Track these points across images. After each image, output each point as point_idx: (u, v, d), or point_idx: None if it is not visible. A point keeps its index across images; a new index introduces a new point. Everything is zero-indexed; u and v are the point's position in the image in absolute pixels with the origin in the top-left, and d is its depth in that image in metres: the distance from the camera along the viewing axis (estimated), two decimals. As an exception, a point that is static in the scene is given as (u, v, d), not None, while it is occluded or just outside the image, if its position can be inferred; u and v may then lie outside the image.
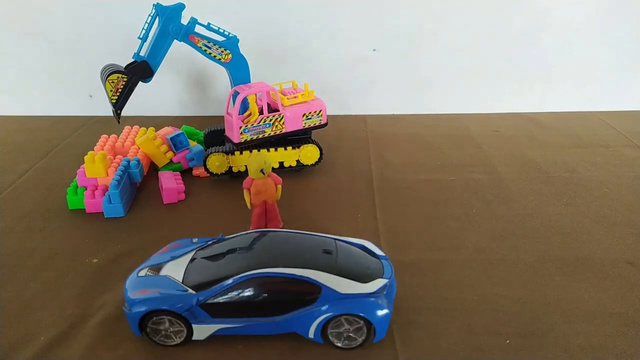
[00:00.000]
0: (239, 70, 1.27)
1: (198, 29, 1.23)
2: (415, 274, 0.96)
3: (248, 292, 0.78)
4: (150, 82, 1.25)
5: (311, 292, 0.78)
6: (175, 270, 0.83)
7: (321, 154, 1.32)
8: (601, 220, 1.13)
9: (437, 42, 1.65)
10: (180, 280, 0.81)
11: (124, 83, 1.20)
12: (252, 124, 1.23)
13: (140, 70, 1.20)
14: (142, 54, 1.21)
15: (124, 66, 1.21)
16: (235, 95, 1.24)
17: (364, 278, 0.80)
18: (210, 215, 1.17)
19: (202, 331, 0.79)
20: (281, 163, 1.31)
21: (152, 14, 1.20)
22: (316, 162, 1.33)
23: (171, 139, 1.33)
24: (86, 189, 1.16)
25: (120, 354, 0.79)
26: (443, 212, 1.17)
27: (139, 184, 1.26)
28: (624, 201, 1.20)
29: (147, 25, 1.20)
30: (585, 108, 1.75)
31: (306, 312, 0.78)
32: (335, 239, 0.88)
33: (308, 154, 1.31)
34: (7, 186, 1.28)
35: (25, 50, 1.66)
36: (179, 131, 1.36)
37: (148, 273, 0.84)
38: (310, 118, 1.28)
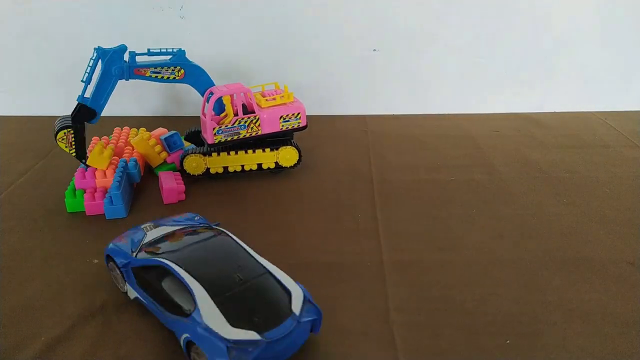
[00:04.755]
0: (198, 79, 1.25)
1: (140, 59, 1.20)
2: (415, 274, 0.96)
3: (154, 276, 0.83)
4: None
5: (188, 307, 0.76)
6: (151, 233, 0.92)
7: (300, 156, 1.31)
8: (601, 220, 1.13)
9: (437, 42, 1.65)
10: (140, 242, 0.90)
11: (73, 135, 1.18)
12: (227, 125, 1.22)
13: (83, 116, 1.18)
14: (86, 95, 1.18)
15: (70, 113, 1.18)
16: (210, 96, 1.24)
17: (242, 322, 0.72)
18: (211, 215, 1.16)
19: (130, 291, 0.87)
20: (259, 164, 1.30)
21: (93, 57, 1.17)
22: (295, 164, 1.32)
23: (165, 139, 1.33)
24: (85, 192, 1.16)
25: (121, 354, 0.79)
26: (443, 212, 1.17)
27: (135, 184, 1.26)
28: (624, 201, 1.20)
29: (89, 68, 1.17)
30: (585, 108, 1.75)
31: (179, 321, 0.76)
32: (267, 271, 0.81)
33: (287, 155, 1.30)
34: (7, 186, 1.28)
35: (25, 50, 1.66)
36: (173, 132, 1.36)
37: (147, 226, 0.95)
38: (287, 120, 1.26)
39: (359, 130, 1.61)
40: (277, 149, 1.29)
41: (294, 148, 1.30)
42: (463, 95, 1.73)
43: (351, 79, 1.70)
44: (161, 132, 1.38)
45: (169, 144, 1.33)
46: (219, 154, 1.27)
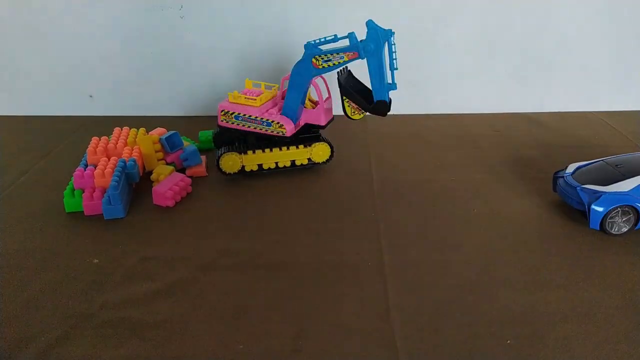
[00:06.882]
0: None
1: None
2: (415, 274, 0.96)
3: None
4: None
5: None
6: None
7: (332, 151, 1.33)
8: (601, 220, 1.13)
9: (437, 42, 1.65)
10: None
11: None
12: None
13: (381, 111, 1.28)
14: (389, 81, 1.26)
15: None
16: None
17: None
18: (212, 213, 1.17)
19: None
20: (293, 161, 1.31)
21: (393, 42, 1.24)
22: (327, 160, 1.34)
23: (166, 139, 1.32)
24: (84, 191, 1.16)
25: (121, 354, 0.79)
26: (443, 212, 1.17)
27: (134, 184, 1.26)
28: (624, 201, 1.20)
29: (394, 54, 1.26)
30: (585, 108, 1.75)
31: None
32: None
33: (319, 152, 1.33)
34: (7, 186, 1.28)
35: (25, 50, 1.66)
36: (172, 131, 1.35)
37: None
38: None
39: (359, 130, 1.61)
40: (310, 145, 1.31)
41: (326, 144, 1.33)
42: (463, 95, 1.73)
43: (351, 79, 1.70)
44: (160, 132, 1.38)
45: (169, 144, 1.33)
46: (254, 152, 1.28)
